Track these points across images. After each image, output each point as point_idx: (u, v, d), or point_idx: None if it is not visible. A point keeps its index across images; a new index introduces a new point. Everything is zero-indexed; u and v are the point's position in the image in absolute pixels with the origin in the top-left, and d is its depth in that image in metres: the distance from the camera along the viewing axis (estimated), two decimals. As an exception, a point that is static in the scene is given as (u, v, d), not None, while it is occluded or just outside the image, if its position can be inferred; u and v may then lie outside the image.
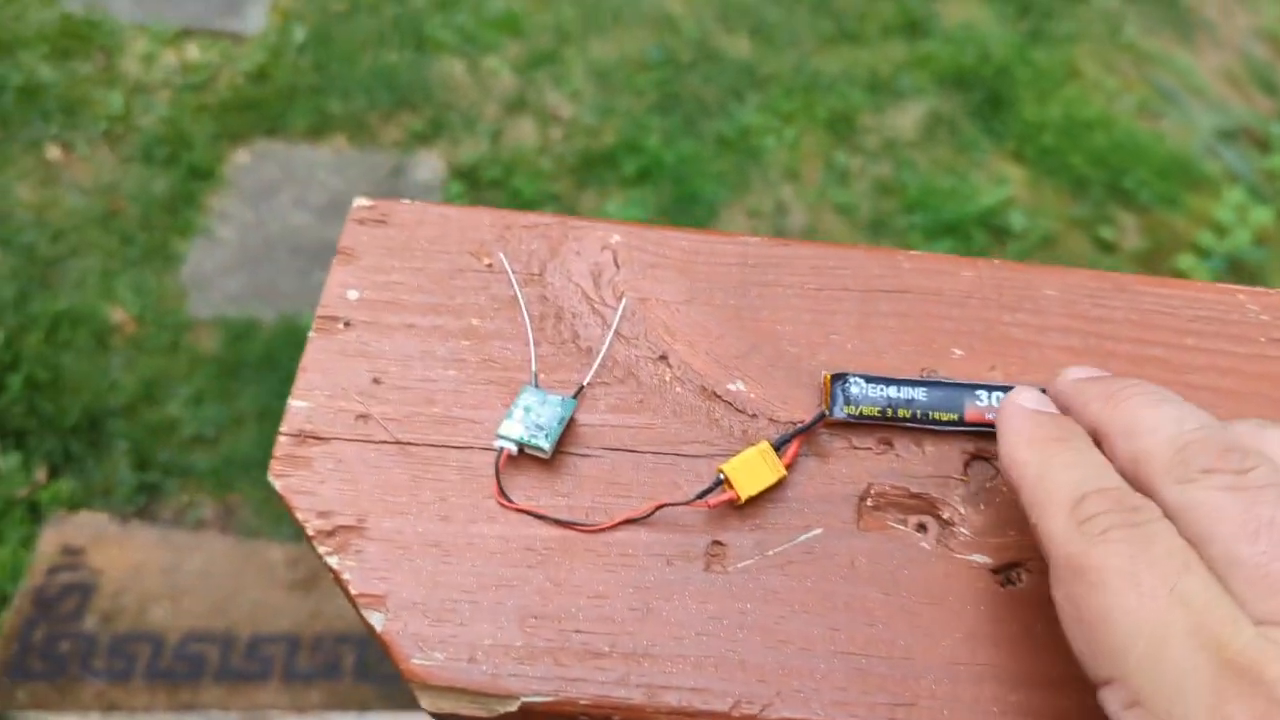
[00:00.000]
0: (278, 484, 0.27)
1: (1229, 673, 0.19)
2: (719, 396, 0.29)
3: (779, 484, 0.27)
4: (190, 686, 1.11)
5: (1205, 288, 0.31)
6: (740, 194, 1.60)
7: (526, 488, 0.28)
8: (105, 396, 1.30)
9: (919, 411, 0.28)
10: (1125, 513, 0.21)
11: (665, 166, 1.60)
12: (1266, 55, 1.86)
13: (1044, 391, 0.27)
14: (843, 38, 1.83)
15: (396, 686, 1.12)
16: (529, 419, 0.28)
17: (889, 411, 0.28)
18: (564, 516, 0.27)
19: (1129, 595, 0.20)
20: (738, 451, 0.28)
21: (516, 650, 0.25)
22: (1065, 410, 0.26)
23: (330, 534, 0.27)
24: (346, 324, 0.30)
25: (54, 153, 1.55)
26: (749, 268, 0.31)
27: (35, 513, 1.21)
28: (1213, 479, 0.21)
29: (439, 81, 1.69)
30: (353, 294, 0.31)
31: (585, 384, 0.29)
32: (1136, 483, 0.22)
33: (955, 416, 0.28)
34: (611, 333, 0.30)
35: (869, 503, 0.27)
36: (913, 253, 0.32)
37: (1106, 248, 1.58)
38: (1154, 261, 1.56)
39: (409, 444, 0.28)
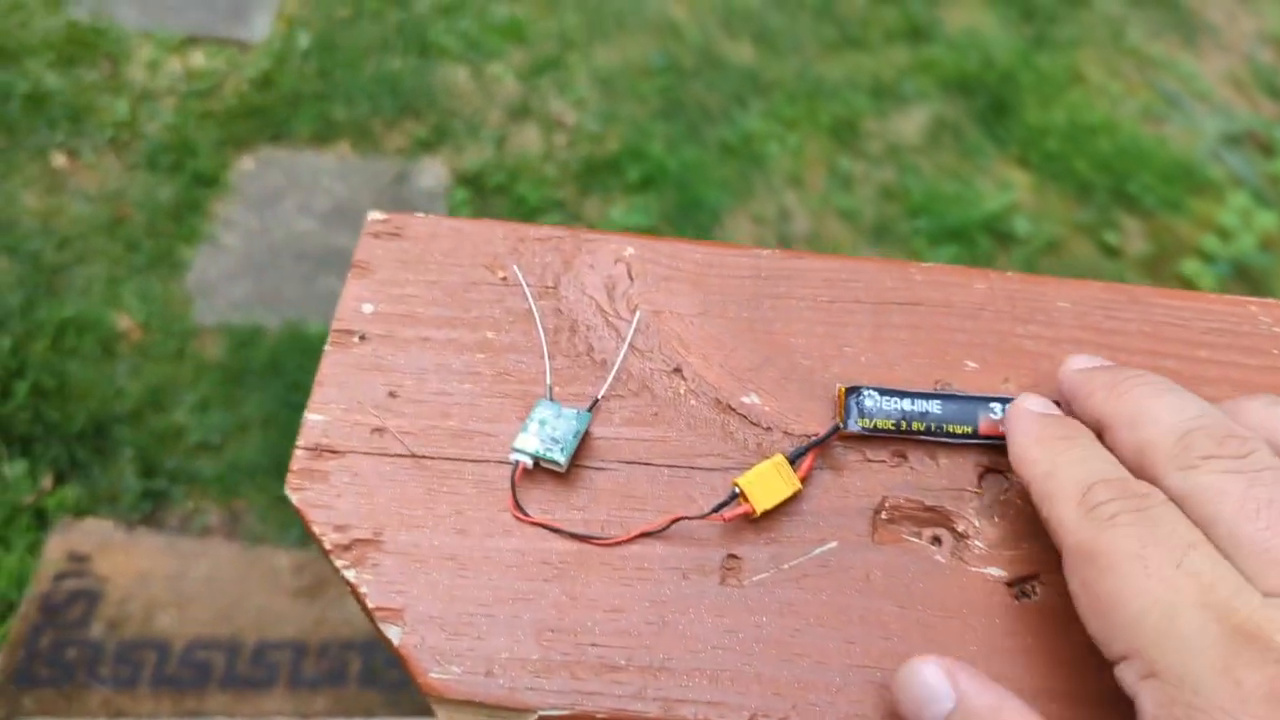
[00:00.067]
0: (294, 498, 0.28)
1: (1238, 639, 0.19)
2: (733, 409, 0.29)
3: (794, 497, 0.27)
4: (196, 693, 1.11)
5: (1217, 299, 0.31)
6: (744, 200, 1.60)
7: (542, 501, 0.28)
8: (111, 403, 1.31)
9: (933, 424, 0.28)
10: (1132, 499, 0.22)
11: (669, 173, 1.60)
12: (1271, 59, 1.86)
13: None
14: (846, 43, 1.83)
15: (402, 693, 1.12)
16: (544, 432, 0.28)
17: (903, 424, 0.28)
18: (579, 530, 0.27)
19: (1139, 574, 0.21)
20: (752, 464, 0.28)
21: (533, 664, 0.25)
22: (1069, 400, 0.27)
23: (347, 548, 0.27)
24: (362, 337, 0.30)
25: (60, 160, 1.55)
26: (762, 280, 0.32)
27: (41, 519, 1.21)
28: (1213, 464, 0.22)
29: (443, 88, 1.70)
30: (368, 307, 0.31)
31: (600, 397, 0.29)
32: (1141, 472, 0.23)
33: (969, 429, 0.28)
34: (626, 345, 0.30)
35: (883, 516, 0.28)
36: (925, 265, 0.32)
37: (1111, 253, 1.58)
38: (1158, 266, 1.56)
39: (425, 457, 0.28)
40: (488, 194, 1.57)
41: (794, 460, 0.28)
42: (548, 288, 0.31)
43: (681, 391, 0.29)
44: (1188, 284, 1.53)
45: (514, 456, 0.28)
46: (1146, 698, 0.20)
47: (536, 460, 0.27)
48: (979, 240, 1.56)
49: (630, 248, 0.32)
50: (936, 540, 0.27)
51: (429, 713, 0.27)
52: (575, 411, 0.28)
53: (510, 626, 0.26)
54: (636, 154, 1.62)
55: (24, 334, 1.35)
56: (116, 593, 1.16)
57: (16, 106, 1.60)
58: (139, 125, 1.60)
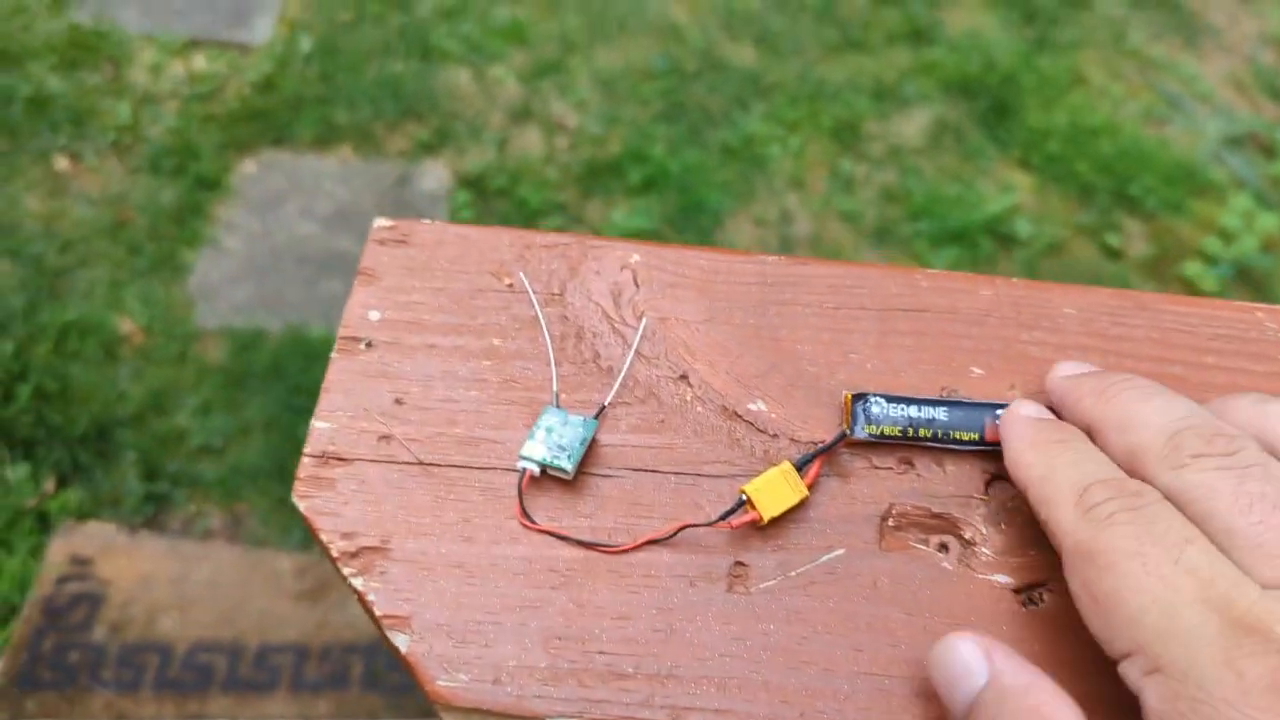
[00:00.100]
0: (302, 505, 0.28)
1: (1239, 631, 0.19)
2: (740, 416, 0.29)
3: (801, 504, 0.27)
4: (198, 697, 1.11)
5: (1224, 305, 0.31)
6: (745, 203, 1.60)
7: (549, 509, 0.28)
8: (113, 407, 1.31)
9: (940, 431, 0.28)
10: (1127, 498, 0.22)
11: (670, 175, 1.60)
12: (1273, 61, 1.86)
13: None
14: (847, 46, 1.83)
15: (405, 696, 1.12)
16: (551, 440, 0.28)
17: (910, 431, 0.28)
18: (586, 538, 0.27)
19: (1138, 572, 0.21)
20: (759, 472, 0.28)
21: (541, 672, 0.25)
22: (1059, 406, 0.27)
23: (354, 555, 0.27)
24: (368, 345, 0.30)
25: (62, 163, 1.55)
26: (768, 286, 0.32)
27: (44, 523, 1.21)
28: (1204, 462, 0.22)
29: (445, 91, 1.70)
30: (374, 314, 0.31)
31: (607, 404, 0.29)
32: (1132, 473, 0.24)
33: (976, 435, 0.28)
34: (632, 352, 0.30)
35: (891, 523, 0.28)
36: (930, 271, 0.32)
37: (1113, 255, 1.58)
38: (1160, 268, 1.56)
39: (432, 465, 0.28)
40: (489, 196, 1.57)
41: (801, 467, 0.28)
42: (554, 295, 0.31)
43: (688, 398, 0.29)
44: (1189, 285, 1.53)
45: (521, 464, 0.28)
46: (1151, 693, 0.20)
47: (543, 468, 0.28)
48: (981, 242, 1.56)
49: (636, 254, 0.32)
50: (944, 547, 0.27)
51: (432, 716, 0.27)
52: (582, 419, 0.28)
53: (518, 634, 0.26)
54: (638, 156, 1.62)
55: (26, 337, 1.35)
56: (119, 596, 1.16)
57: (19, 110, 1.60)
58: (141, 128, 1.60)
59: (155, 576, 1.18)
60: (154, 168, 1.55)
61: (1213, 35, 1.89)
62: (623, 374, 0.30)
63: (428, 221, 0.33)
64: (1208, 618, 0.20)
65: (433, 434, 0.29)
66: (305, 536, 1.23)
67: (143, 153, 1.57)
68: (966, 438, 0.28)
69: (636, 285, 0.32)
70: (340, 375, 0.30)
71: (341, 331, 0.30)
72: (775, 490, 0.27)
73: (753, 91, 1.74)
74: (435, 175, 1.60)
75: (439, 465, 0.28)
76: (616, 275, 0.32)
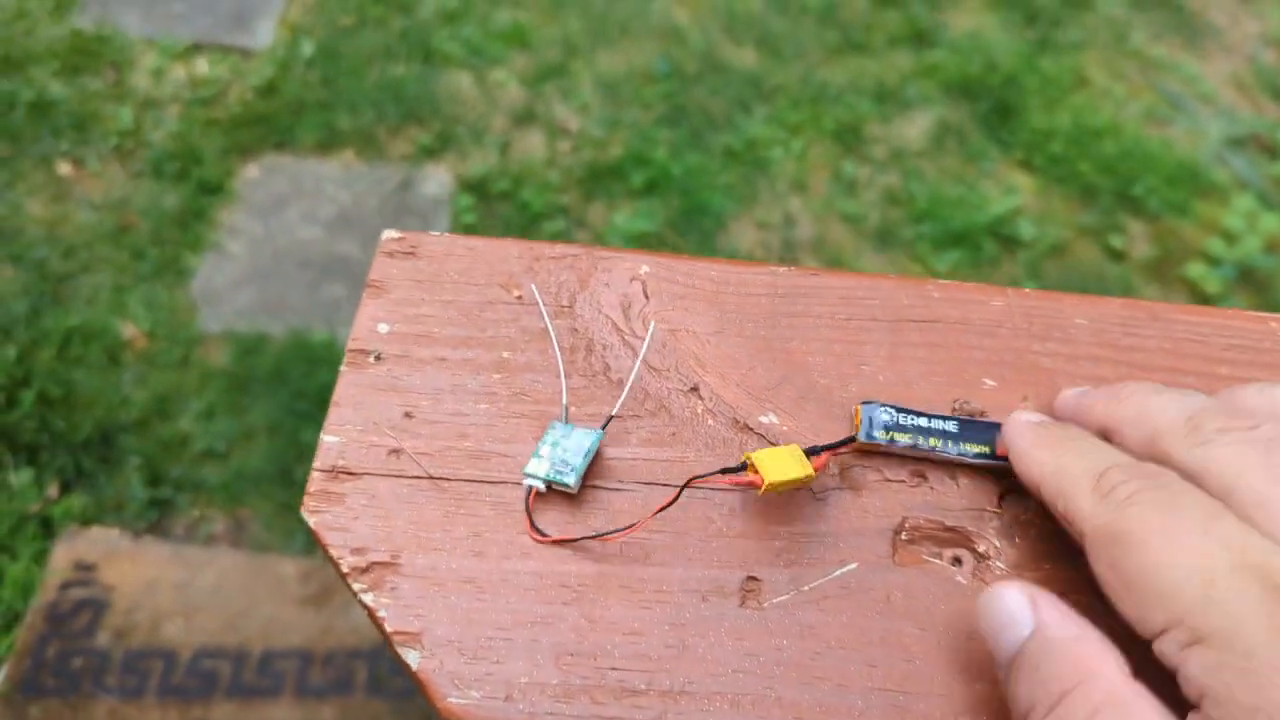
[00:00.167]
0: (311, 520, 0.27)
1: None
2: (751, 429, 0.29)
3: (805, 482, 0.26)
4: (202, 703, 1.11)
5: (1236, 315, 0.31)
6: (748, 205, 1.60)
7: (559, 523, 0.28)
8: (117, 412, 1.31)
9: (950, 443, 0.28)
10: (1146, 478, 0.22)
11: (673, 178, 1.60)
12: (1274, 61, 1.86)
13: None
14: (849, 48, 1.83)
15: (408, 702, 1.12)
16: (555, 455, 0.28)
17: (919, 441, 0.28)
18: (594, 544, 0.27)
19: (1168, 546, 0.21)
20: (771, 485, 0.27)
21: (553, 688, 0.25)
22: (1071, 420, 0.27)
23: (365, 570, 0.27)
24: (378, 357, 0.30)
25: (65, 168, 1.55)
26: (778, 298, 0.31)
27: (47, 528, 1.21)
28: (1227, 436, 0.22)
29: (447, 95, 1.70)
30: (383, 327, 0.31)
31: (613, 415, 0.29)
32: (1152, 461, 0.24)
33: (987, 449, 0.28)
34: (640, 360, 0.30)
35: (903, 536, 0.27)
36: (941, 281, 0.32)
37: (1116, 256, 1.57)
38: (1164, 270, 1.56)
39: (442, 479, 0.28)
40: (492, 200, 1.57)
41: (809, 455, 0.27)
42: (563, 306, 0.31)
43: (699, 411, 0.29)
44: (1192, 286, 1.53)
45: (526, 482, 0.27)
46: (1194, 664, 0.20)
47: (549, 484, 0.27)
48: (984, 244, 1.56)
49: (645, 265, 0.32)
50: (957, 561, 0.27)
51: (437, 723, 0.27)
52: (586, 431, 0.28)
53: (529, 650, 0.25)
54: (640, 160, 1.62)
55: (30, 343, 1.35)
56: (123, 602, 1.16)
57: (21, 115, 1.60)
58: (144, 133, 1.60)
59: (159, 582, 1.18)
60: (156, 172, 1.55)
61: (1214, 35, 1.89)
62: (630, 383, 0.30)
63: (436, 234, 0.33)
64: (1248, 585, 0.19)
65: (443, 448, 0.29)
66: (309, 541, 1.22)
67: (145, 157, 1.57)
68: (976, 450, 0.28)
69: (646, 297, 0.31)
70: (349, 389, 0.29)
71: (350, 344, 0.30)
72: (780, 461, 0.26)
73: (754, 94, 1.74)
74: (438, 179, 1.59)
75: (449, 479, 0.28)
76: (626, 287, 0.32)
